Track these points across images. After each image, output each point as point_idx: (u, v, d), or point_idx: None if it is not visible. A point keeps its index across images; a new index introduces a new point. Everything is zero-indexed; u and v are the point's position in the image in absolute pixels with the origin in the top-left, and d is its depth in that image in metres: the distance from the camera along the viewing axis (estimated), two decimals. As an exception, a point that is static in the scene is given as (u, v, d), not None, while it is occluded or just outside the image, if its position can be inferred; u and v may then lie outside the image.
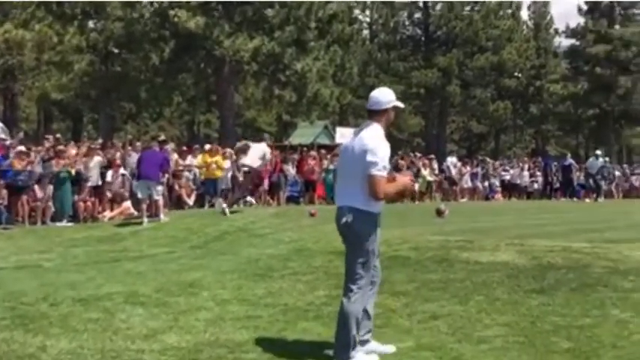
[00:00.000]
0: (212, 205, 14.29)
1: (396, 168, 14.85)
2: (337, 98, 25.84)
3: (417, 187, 18.45)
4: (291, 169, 16.49)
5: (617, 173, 25.01)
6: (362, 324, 3.90)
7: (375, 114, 3.86)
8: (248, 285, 6.00)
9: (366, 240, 3.78)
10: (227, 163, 14.89)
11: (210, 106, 33.03)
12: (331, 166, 16.25)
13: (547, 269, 5.82)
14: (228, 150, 15.72)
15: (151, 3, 22.27)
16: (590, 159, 21.25)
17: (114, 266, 7.63)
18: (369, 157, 3.64)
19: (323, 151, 18.69)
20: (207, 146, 15.68)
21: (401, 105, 3.98)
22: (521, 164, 22.49)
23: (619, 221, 10.40)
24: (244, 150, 11.99)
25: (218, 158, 14.66)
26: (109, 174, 12.89)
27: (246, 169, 11.81)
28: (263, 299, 5.46)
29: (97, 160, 12.95)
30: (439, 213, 11.63)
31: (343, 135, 26.30)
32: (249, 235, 9.04)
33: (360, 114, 39.21)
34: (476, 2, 36.84)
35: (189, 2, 20.15)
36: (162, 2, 21.06)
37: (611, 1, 39.76)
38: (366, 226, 3.77)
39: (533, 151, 47.38)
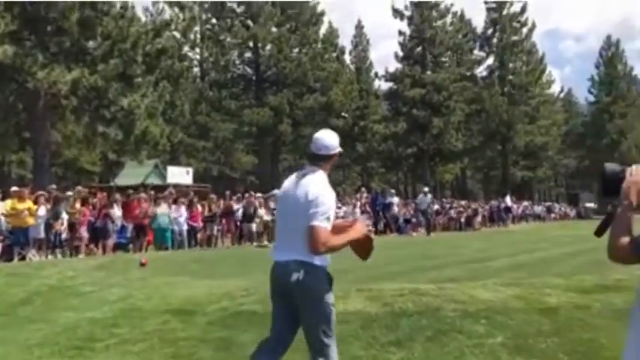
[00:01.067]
0: (23, 258, 12.45)
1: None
2: (168, 136, 24.69)
3: (254, 226, 18.01)
4: (117, 213, 15.07)
5: (435, 207, 26.88)
6: None
7: (320, 159, 3.46)
8: (63, 363, 4.95)
9: (324, 298, 3.31)
10: (42, 210, 13.16)
11: (23, 145, 29.77)
12: (159, 210, 15.17)
13: (400, 316, 5.58)
14: (43, 194, 13.92)
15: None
16: (420, 195, 22.55)
17: None
18: (312, 208, 3.22)
19: (152, 192, 17.48)
20: (14, 189, 13.70)
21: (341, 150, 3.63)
22: (353, 201, 23.07)
23: (451, 257, 10.81)
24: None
25: (30, 204, 12.88)
26: None
27: None
28: (83, 381, 4.48)
29: None
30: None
31: (175, 174, 25.18)
32: (67, 295, 7.76)
33: (192, 153, 38.15)
34: (304, 45, 38.15)
35: (-6, 29, 17.91)
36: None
37: (423, 49, 43.50)
38: (321, 282, 3.31)
39: (359, 188, 49.71)
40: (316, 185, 3.31)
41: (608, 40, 56.36)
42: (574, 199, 67.76)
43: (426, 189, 23.67)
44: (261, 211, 18.55)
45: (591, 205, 62.43)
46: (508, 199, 30.56)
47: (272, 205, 18.22)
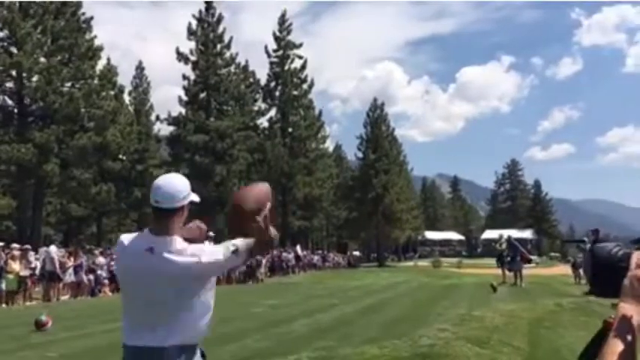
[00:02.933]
0: None
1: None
2: None
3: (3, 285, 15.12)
4: None
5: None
6: None
7: (167, 215, 2.41)
8: None
9: None
10: None
11: None
12: None
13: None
14: None
15: None
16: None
17: None
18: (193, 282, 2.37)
19: None
20: None
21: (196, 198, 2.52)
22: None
23: (247, 318, 9.85)
24: None
25: None
26: None
27: None
28: None
29: None
30: (39, 326, 9.20)
31: None
32: None
33: None
34: (77, 79, 34.99)
35: None
36: None
37: (208, 95, 43.01)
38: None
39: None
40: (182, 268, 2.32)
41: (374, 103, 61.90)
42: (343, 247, 72.44)
43: (211, 233, 22.68)
44: (16, 266, 15.68)
45: (357, 253, 67.26)
46: (299, 248, 31.05)
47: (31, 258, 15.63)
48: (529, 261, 19.88)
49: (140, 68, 51.90)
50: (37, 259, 17.10)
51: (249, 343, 7.00)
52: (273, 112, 49.06)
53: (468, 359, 6.08)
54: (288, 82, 48.28)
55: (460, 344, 6.69)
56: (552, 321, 9.86)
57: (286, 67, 48.79)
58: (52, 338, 7.98)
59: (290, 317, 9.70)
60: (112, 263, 19.30)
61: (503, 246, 20.22)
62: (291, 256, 35.45)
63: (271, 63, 49.09)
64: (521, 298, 13.41)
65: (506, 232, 25.71)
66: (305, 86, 49.63)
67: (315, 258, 42.88)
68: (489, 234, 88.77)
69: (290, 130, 48.86)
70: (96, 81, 37.44)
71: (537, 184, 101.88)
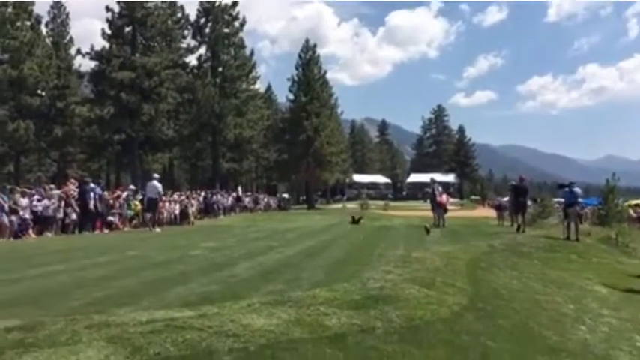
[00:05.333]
0: None
1: None
2: None
3: None
4: None
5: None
6: None
7: None
8: None
9: None
10: None
11: None
12: None
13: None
14: None
15: None
16: (154, 182, 20.25)
17: None
18: None
19: None
20: None
21: None
22: (55, 191, 19.83)
23: (188, 261, 9.58)
24: None
25: None
26: None
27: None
28: None
29: None
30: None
31: None
32: None
33: None
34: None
35: None
36: None
37: (133, 30, 40.79)
38: None
39: (55, 175, 44.95)
40: None
41: (306, 44, 60.80)
42: (273, 189, 72.44)
43: (157, 175, 21.80)
44: None
45: (287, 196, 67.50)
46: (240, 190, 30.91)
47: None
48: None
49: (58, -3, 48.58)
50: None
51: (194, 287, 6.79)
52: (202, 50, 47.41)
53: (418, 301, 6.16)
54: (218, 19, 46.48)
55: (408, 286, 6.79)
56: (487, 262, 10.23)
57: (217, 3, 46.82)
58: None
59: (231, 260, 9.53)
60: (35, 204, 18.40)
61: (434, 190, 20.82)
62: (224, 198, 35.06)
63: (201, -2, 46.97)
64: (453, 240, 13.84)
65: (434, 176, 26.57)
66: (236, 24, 48.00)
67: (247, 200, 42.64)
68: (415, 178, 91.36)
69: (220, 69, 47.40)
70: (10, 9, 34.73)
71: (462, 130, 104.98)
